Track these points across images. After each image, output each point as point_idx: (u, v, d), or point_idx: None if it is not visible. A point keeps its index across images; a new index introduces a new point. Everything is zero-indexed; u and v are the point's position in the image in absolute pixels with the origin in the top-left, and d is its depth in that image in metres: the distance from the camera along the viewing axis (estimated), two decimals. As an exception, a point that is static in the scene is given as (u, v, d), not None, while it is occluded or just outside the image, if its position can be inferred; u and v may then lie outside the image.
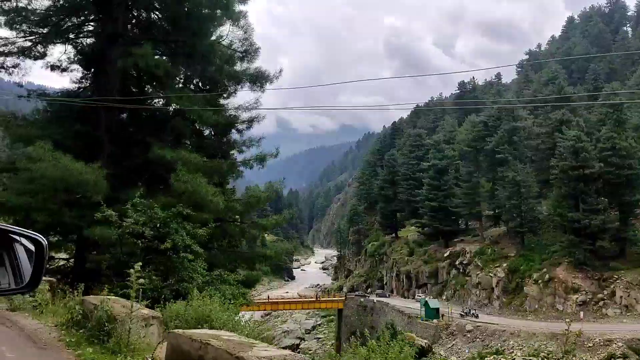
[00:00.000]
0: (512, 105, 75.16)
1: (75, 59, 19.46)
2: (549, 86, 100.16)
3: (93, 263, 14.24)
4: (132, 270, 6.55)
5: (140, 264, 6.88)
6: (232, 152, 22.00)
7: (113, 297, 8.10)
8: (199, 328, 6.80)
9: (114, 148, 17.82)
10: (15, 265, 2.64)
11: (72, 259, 18.34)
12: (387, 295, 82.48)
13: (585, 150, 58.11)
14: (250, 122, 21.48)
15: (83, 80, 19.95)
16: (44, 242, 2.63)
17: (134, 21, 20.82)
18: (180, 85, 20.18)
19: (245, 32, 20.60)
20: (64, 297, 10.37)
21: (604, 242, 59.91)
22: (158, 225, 11.30)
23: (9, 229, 2.69)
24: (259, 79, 20.66)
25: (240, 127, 21.56)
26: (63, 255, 19.51)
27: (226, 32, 20.33)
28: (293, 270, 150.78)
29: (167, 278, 10.90)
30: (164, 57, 19.80)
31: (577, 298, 57.25)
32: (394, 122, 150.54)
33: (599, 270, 58.15)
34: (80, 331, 7.67)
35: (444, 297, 72.92)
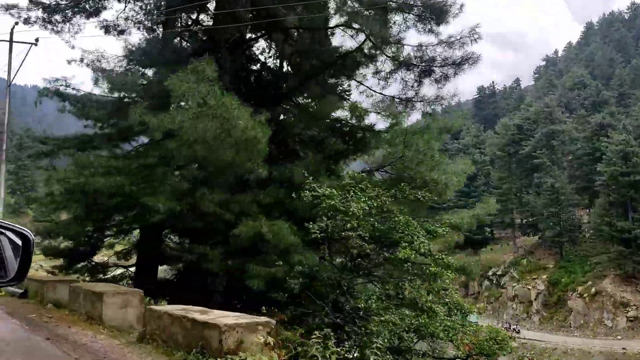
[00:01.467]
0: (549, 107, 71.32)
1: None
2: (575, 91, 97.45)
3: (260, 280, 9.04)
4: None
5: None
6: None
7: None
8: None
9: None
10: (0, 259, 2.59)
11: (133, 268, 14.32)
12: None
13: (636, 155, 54.48)
14: (460, 65, 13.60)
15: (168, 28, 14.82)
16: (31, 236, 2.56)
17: None
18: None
19: None
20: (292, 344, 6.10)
21: (653, 253, 56.12)
22: (382, 219, 7.35)
23: None
24: (439, 13, 12.68)
25: (445, 71, 13.79)
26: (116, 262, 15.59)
27: None
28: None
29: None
30: None
31: (627, 313, 53.38)
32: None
33: (650, 283, 54.40)
34: None
35: (477, 310, 68.73)
